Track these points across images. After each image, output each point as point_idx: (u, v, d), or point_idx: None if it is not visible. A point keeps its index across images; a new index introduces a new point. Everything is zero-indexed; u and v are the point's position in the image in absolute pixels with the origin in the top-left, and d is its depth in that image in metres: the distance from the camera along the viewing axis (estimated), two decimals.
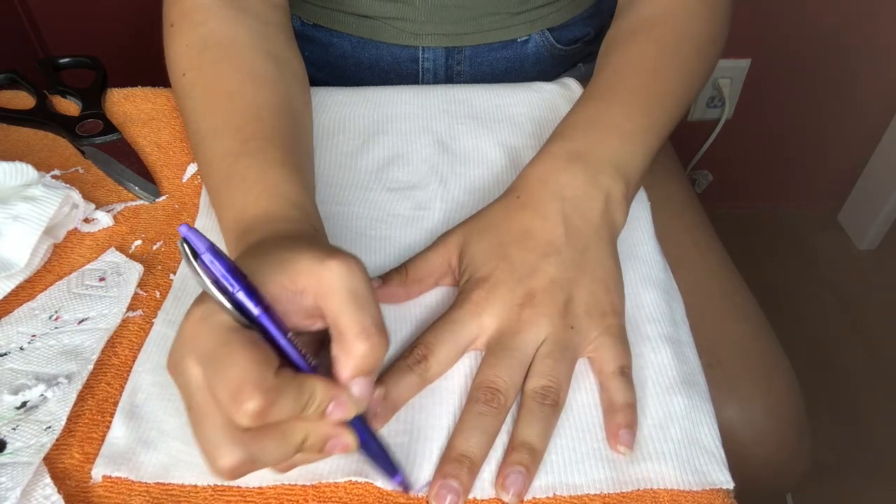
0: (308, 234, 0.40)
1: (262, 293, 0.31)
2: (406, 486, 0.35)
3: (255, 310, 0.31)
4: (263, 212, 0.40)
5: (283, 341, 0.31)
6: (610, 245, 0.43)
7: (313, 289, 0.32)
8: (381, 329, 0.32)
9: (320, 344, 0.36)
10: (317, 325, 0.34)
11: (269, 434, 0.31)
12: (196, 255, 0.30)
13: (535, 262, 0.41)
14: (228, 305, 0.30)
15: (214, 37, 0.50)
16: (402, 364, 0.39)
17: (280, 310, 0.32)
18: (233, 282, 0.30)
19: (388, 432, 0.38)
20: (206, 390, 0.30)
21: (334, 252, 0.33)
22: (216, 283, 0.30)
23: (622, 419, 0.38)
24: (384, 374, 0.39)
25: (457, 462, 0.36)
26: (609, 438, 0.38)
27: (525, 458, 0.36)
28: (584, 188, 0.44)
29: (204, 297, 0.32)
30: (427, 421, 0.38)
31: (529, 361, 0.39)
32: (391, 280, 0.43)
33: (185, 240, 0.30)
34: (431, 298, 0.45)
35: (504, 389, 0.38)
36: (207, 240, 0.30)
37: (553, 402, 0.38)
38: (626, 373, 0.39)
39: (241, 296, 0.30)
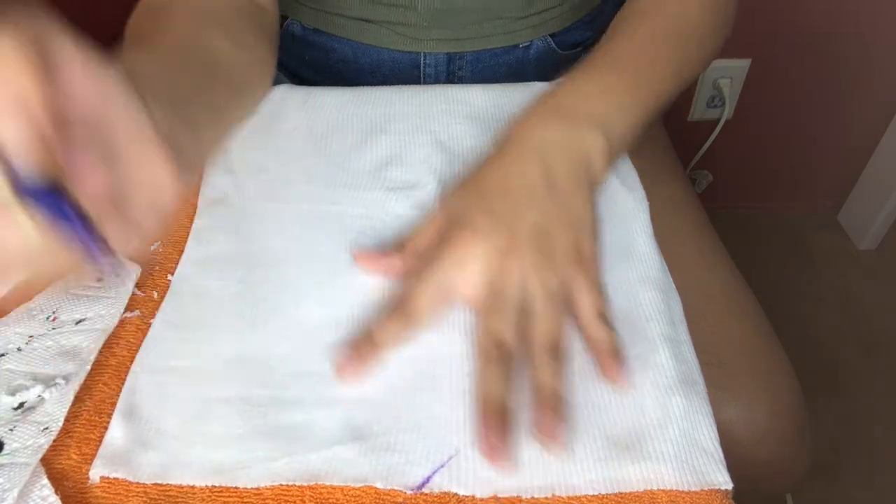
0: None
1: None
2: (107, 265, 0.30)
3: None
4: None
5: None
6: (588, 194, 0.45)
7: None
8: (37, 54, 0.27)
9: None
10: None
11: None
12: None
13: (516, 210, 0.43)
14: None
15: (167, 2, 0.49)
16: (388, 315, 0.40)
17: None
18: None
19: (392, 430, 0.38)
20: None
21: None
22: None
23: (608, 357, 0.39)
24: (372, 325, 0.40)
25: (495, 413, 0.37)
26: (606, 378, 0.39)
27: (553, 401, 0.37)
28: (563, 141, 0.46)
29: None
30: (426, 420, 0.38)
31: (522, 306, 0.40)
32: (390, 254, 0.45)
33: None
34: None
35: (509, 337, 0.39)
36: None
37: (559, 351, 0.39)
38: (603, 314, 0.41)
39: None
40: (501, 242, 0.42)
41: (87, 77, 0.29)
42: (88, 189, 0.29)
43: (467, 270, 0.41)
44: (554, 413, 0.37)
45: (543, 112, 0.48)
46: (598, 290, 0.42)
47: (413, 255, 0.44)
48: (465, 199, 0.45)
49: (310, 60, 0.70)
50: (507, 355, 0.39)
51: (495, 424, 0.36)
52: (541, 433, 0.36)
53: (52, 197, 0.28)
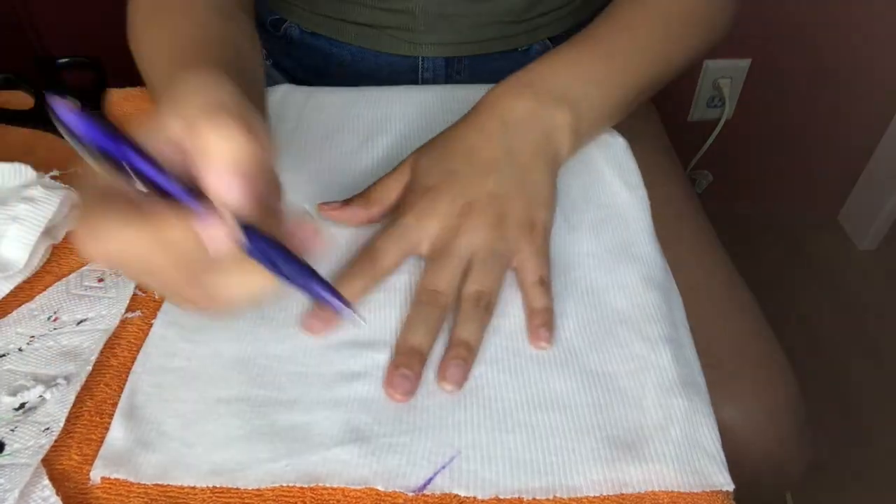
0: None
1: (128, 136, 0.29)
2: (347, 305, 0.33)
3: (107, 143, 0.29)
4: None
5: (142, 165, 0.29)
6: (547, 168, 0.47)
7: (173, 109, 0.30)
8: (244, 121, 0.29)
9: None
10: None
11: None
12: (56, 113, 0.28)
13: (477, 177, 0.46)
14: (94, 157, 0.29)
15: (170, 1, 0.51)
16: (353, 269, 0.43)
17: (164, 152, 0.30)
18: (86, 125, 0.28)
19: (393, 431, 0.38)
20: None
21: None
22: (83, 138, 0.28)
23: (539, 320, 0.42)
24: (338, 279, 0.42)
25: (407, 354, 0.39)
26: (531, 340, 0.41)
27: (462, 352, 0.40)
28: (529, 116, 0.48)
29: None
30: (427, 421, 0.38)
31: (465, 266, 0.43)
32: (353, 202, 0.47)
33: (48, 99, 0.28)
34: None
35: (444, 290, 0.42)
36: (65, 98, 0.28)
37: (486, 305, 0.42)
38: (544, 282, 0.43)
39: (100, 136, 0.28)
40: (459, 204, 0.44)
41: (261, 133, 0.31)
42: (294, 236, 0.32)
43: (425, 228, 0.44)
44: (459, 361, 0.39)
45: (515, 85, 0.49)
46: (544, 258, 0.44)
47: (377, 204, 0.47)
48: (431, 160, 0.47)
49: (308, 64, 0.70)
50: (437, 304, 0.41)
51: (403, 363, 0.39)
52: (441, 377, 0.39)
53: (265, 244, 0.31)
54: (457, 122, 0.50)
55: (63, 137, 0.29)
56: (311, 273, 0.32)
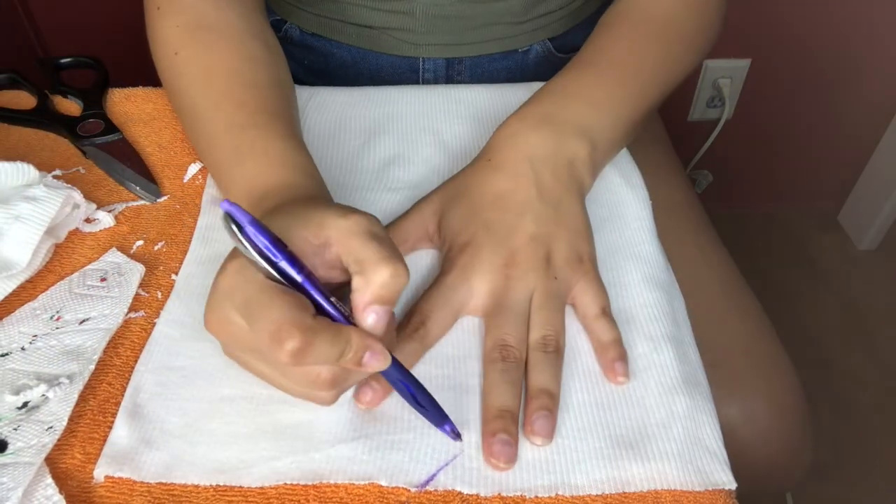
0: (323, 196, 0.43)
1: (302, 261, 0.34)
2: (457, 435, 0.37)
3: (298, 276, 0.33)
4: (277, 180, 0.42)
5: (324, 302, 0.34)
6: (579, 199, 0.46)
7: (336, 238, 0.35)
8: (401, 259, 0.34)
9: None
10: (338, 277, 0.36)
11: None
12: (240, 227, 0.32)
13: (513, 221, 0.44)
14: (274, 273, 0.33)
15: (207, 19, 0.52)
16: (402, 334, 0.41)
17: (306, 264, 0.34)
18: (276, 252, 0.32)
19: (397, 428, 0.38)
20: (251, 334, 0.33)
21: (354, 209, 0.36)
22: (259, 252, 0.32)
23: (613, 354, 0.41)
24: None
25: (500, 418, 0.37)
26: (607, 374, 0.40)
27: (546, 401, 0.38)
28: (550, 149, 0.47)
29: (236, 253, 0.34)
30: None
31: (527, 314, 0.42)
32: None
33: (230, 214, 0.32)
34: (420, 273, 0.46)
35: (515, 343, 0.40)
36: (249, 214, 0.32)
37: (555, 349, 0.40)
38: (606, 313, 0.42)
39: (285, 264, 0.33)
40: (502, 254, 0.43)
41: None
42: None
43: (472, 285, 0.42)
44: (542, 412, 0.38)
45: (529, 121, 0.48)
46: (600, 288, 0.43)
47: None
48: (461, 213, 0.45)
49: (308, 65, 0.70)
50: (512, 360, 0.40)
51: (499, 428, 0.37)
52: (528, 431, 0.37)
53: (395, 366, 0.36)
54: (476, 165, 0.48)
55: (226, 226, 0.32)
56: (427, 395, 0.37)
